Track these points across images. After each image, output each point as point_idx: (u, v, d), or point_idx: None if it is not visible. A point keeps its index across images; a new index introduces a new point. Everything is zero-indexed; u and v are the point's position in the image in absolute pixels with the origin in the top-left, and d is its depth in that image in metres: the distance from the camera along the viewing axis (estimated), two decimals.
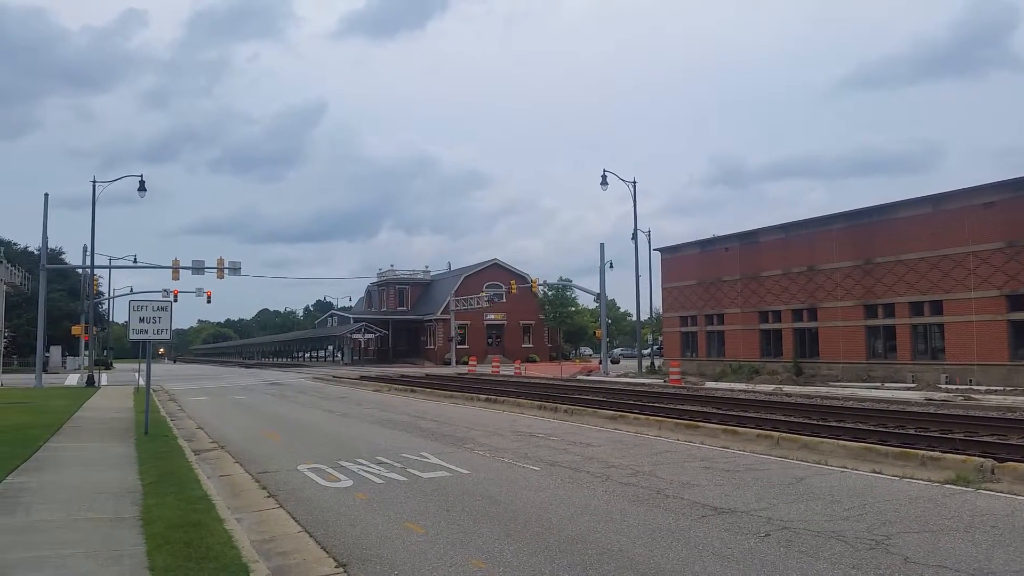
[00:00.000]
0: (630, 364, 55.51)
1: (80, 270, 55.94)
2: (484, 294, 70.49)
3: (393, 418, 19.55)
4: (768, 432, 14.42)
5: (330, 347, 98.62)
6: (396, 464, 11.61)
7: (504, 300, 67.40)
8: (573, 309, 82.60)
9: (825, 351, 34.44)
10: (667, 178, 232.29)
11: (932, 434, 14.52)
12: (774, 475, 10.28)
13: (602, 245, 48.89)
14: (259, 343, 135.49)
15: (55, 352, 61.08)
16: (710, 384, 33.19)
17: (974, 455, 11.18)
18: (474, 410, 22.23)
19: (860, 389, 27.31)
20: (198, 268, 41.66)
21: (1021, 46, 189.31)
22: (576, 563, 6.29)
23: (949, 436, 13.87)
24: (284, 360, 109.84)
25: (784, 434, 14.04)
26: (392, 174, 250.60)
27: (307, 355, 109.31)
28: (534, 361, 71.14)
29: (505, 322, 78.89)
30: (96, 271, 45.91)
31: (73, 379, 42.97)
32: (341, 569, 6.34)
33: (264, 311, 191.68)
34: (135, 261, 55.28)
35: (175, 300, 43.14)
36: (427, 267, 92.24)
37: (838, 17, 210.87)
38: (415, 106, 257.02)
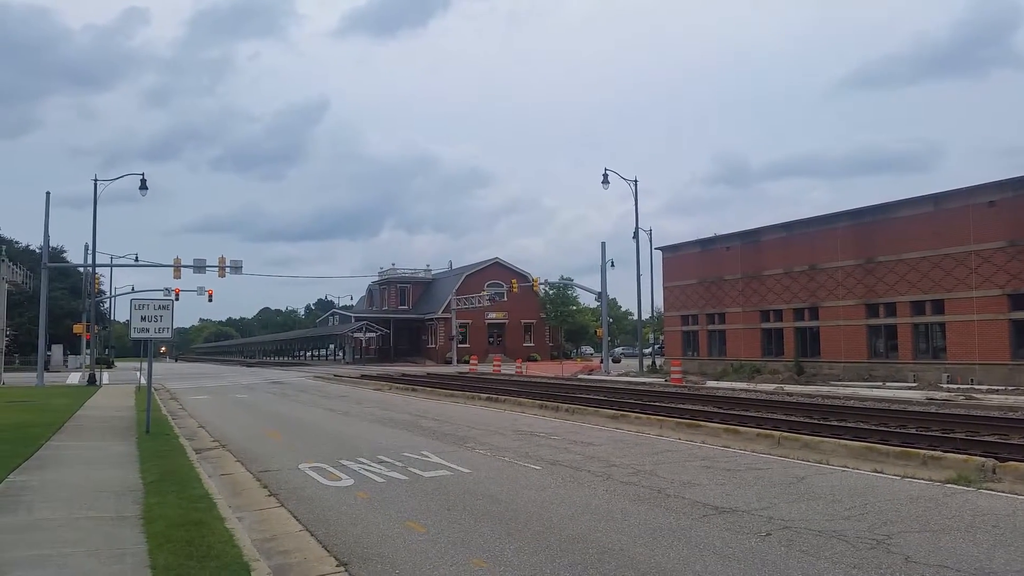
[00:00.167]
0: (631, 363, 55.52)
1: (82, 269, 55.99)
2: (485, 293, 70.53)
3: (394, 417, 19.56)
4: (769, 431, 14.42)
5: (331, 346, 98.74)
6: (397, 463, 11.61)
7: (505, 299, 67.45)
8: (574, 308, 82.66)
9: (826, 350, 34.42)
10: (669, 177, 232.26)
11: (933, 433, 14.51)
12: (775, 474, 10.28)
13: (603, 244, 48.94)
14: (260, 342, 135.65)
15: (56, 351, 61.12)
16: (711, 383, 33.19)
17: (975, 454, 11.17)
18: (475, 409, 22.24)
19: (861, 388, 27.30)
20: (199, 267, 41.69)
21: (1023, 45, 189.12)
22: (577, 562, 6.29)
23: (950, 435, 13.87)
24: (285, 359, 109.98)
25: (785, 433, 14.04)
26: (394, 172, 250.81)
27: (308, 354, 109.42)
28: (535, 360, 71.16)
29: (506, 321, 78.92)
30: (98, 269, 45.98)
31: (74, 378, 43.01)
32: (342, 568, 6.35)
33: (265, 310, 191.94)
34: (136, 260, 55.33)
35: (176, 299, 43.16)
36: (428, 266, 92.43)
37: (840, 16, 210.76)
38: (417, 104, 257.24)
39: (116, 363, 73.39)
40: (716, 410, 19.59)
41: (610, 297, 52.04)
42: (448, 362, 71.25)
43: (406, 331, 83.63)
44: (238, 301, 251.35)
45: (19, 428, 15.48)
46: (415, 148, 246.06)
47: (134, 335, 15.44)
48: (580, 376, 43.35)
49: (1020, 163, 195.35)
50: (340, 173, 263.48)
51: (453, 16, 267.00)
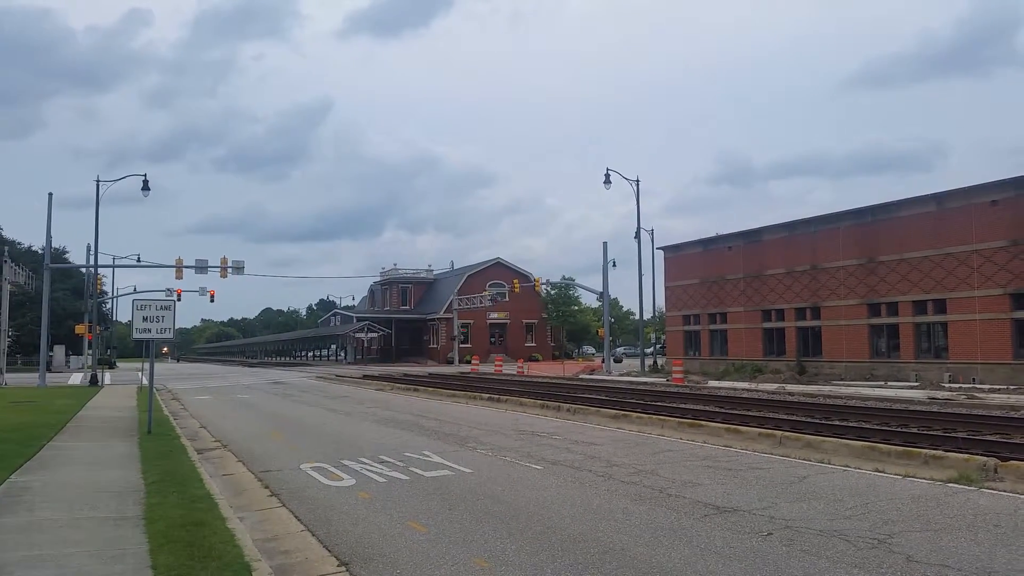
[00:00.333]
0: (633, 363, 55.50)
1: (84, 269, 56.04)
2: (487, 293, 70.52)
3: (396, 417, 19.57)
4: (771, 431, 14.41)
5: (333, 346, 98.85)
6: (399, 463, 11.61)
7: (507, 299, 67.41)
8: (576, 308, 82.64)
9: (828, 350, 34.40)
10: (671, 177, 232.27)
11: (935, 433, 14.50)
12: (777, 474, 10.27)
13: (605, 244, 48.90)
14: (262, 342, 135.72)
15: (59, 351, 61.21)
16: (713, 383, 33.17)
17: (977, 454, 11.17)
18: (477, 409, 22.24)
19: (863, 388, 27.27)
20: (201, 267, 41.71)
21: None
22: (578, 562, 6.29)
23: (952, 435, 13.85)
24: (287, 359, 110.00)
25: (787, 433, 14.04)
26: (396, 173, 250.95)
27: (310, 354, 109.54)
28: (537, 360, 71.14)
29: (508, 321, 78.91)
30: (100, 270, 46.04)
31: (76, 378, 43.06)
32: (343, 568, 6.35)
33: (267, 310, 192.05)
34: (139, 260, 55.30)
35: (178, 299, 43.25)
36: (430, 266, 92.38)
37: (843, 15, 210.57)
38: (419, 105, 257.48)
39: (118, 363, 73.48)
40: (718, 410, 19.58)
41: (612, 297, 52.03)
42: (450, 362, 71.26)
43: (408, 331, 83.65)
44: (240, 302, 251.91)
45: (21, 428, 15.50)
46: (418, 148, 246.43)
47: (136, 335, 15.45)
48: (582, 376, 43.34)
49: (1022, 162, 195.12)
50: (343, 173, 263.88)
51: (456, 16, 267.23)
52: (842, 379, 31.78)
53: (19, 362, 60.18)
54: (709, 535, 7.08)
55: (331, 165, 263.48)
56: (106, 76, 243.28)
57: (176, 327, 15.70)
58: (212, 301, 53.05)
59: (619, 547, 6.72)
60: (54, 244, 53.47)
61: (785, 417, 17.70)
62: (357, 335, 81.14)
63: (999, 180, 28.36)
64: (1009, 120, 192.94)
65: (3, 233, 72.94)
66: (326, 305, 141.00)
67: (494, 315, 77.41)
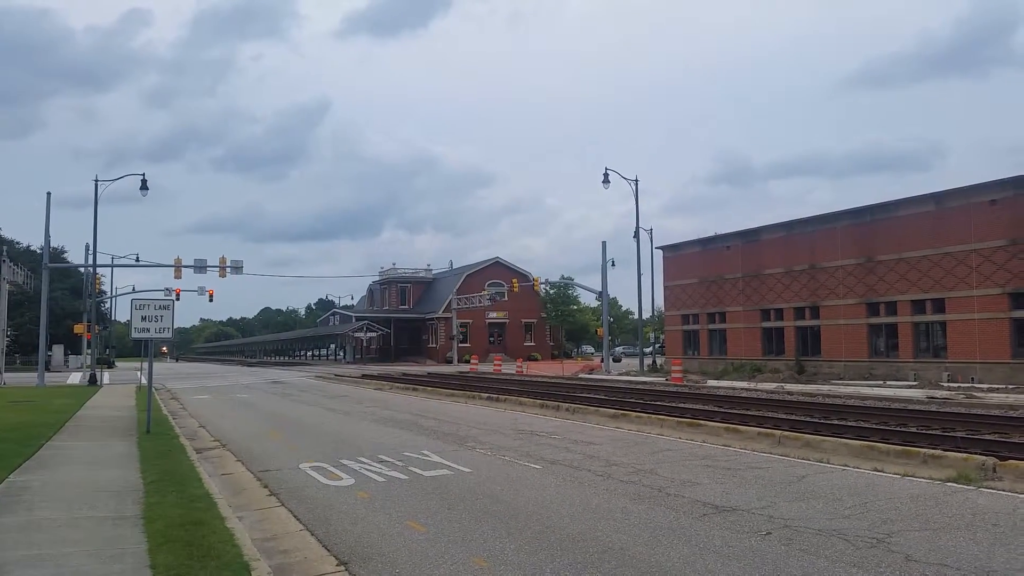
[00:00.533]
0: (632, 362, 55.51)
1: (82, 269, 55.99)
2: (486, 292, 70.52)
3: (395, 416, 19.57)
4: (770, 430, 14.41)
5: (332, 346, 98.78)
6: (398, 462, 11.61)
7: (506, 298, 67.42)
8: (575, 307, 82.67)
9: (827, 349, 34.42)
10: (670, 176, 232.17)
11: (934, 432, 14.51)
12: (776, 473, 10.28)
13: (604, 243, 48.90)
14: (261, 342, 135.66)
15: (57, 351, 61.19)
16: (712, 382, 33.18)
17: (976, 453, 11.17)
18: (476, 408, 22.24)
19: (862, 387, 27.29)
20: (200, 267, 41.70)
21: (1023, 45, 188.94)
22: (577, 561, 6.29)
23: (951, 434, 13.85)
24: (286, 359, 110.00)
25: (786, 432, 14.04)
26: (395, 172, 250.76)
27: (309, 354, 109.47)
28: (536, 359, 71.14)
29: (507, 320, 78.93)
30: (98, 270, 46.01)
31: (75, 378, 43.03)
32: (342, 567, 6.35)
33: (266, 310, 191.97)
34: (137, 260, 55.29)
35: (177, 299, 43.16)
36: (429, 265, 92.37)
37: (842, 15, 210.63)
38: (418, 104, 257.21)
39: (117, 363, 73.44)
40: (717, 409, 19.58)
41: (611, 296, 52.04)
42: (449, 362, 71.27)
43: (407, 331, 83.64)
44: (239, 301, 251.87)
45: (20, 428, 15.49)
46: (416, 148, 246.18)
47: (135, 335, 15.44)
48: (581, 375, 43.35)
49: (1021, 162, 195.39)
50: (341, 173, 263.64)
51: (454, 17, 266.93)
52: (841, 378, 31.81)
53: (18, 361, 60.14)
54: (708, 534, 7.08)
55: (330, 165, 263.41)
56: (105, 76, 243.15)
57: (175, 327, 15.69)
58: (211, 301, 53.05)
59: (618, 546, 6.72)
60: (53, 243, 53.41)
61: (784, 416, 17.71)
62: (356, 335, 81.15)
63: (998, 180, 28.39)
64: (1008, 120, 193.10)
65: (2, 232, 72.91)
66: (325, 305, 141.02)
67: (493, 315, 77.42)
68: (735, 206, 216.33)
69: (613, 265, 50.24)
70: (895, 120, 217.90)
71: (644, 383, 34.20)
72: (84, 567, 5.92)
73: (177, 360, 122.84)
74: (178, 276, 41.86)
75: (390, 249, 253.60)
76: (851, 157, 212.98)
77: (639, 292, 46.10)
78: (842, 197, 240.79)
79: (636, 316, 54.61)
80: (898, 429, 15.16)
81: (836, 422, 16.29)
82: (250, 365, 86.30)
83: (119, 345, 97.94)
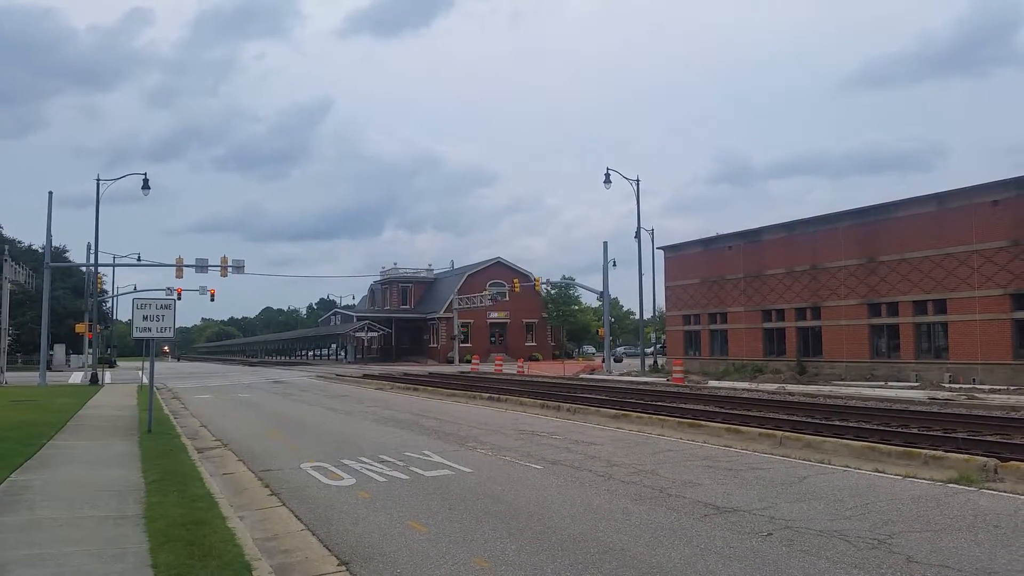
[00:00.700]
0: (633, 363, 55.50)
1: (84, 268, 56.03)
2: (487, 292, 70.51)
3: (396, 416, 19.57)
4: (771, 431, 14.40)
5: (333, 345, 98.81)
6: (399, 462, 11.61)
7: (507, 298, 67.45)
8: (576, 307, 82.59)
9: (828, 350, 34.39)
10: (671, 176, 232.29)
11: (935, 433, 14.50)
12: (777, 474, 10.27)
13: (605, 244, 48.89)
14: (262, 341, 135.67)
15: (59, 350, 61.24)
16: (713, 383, 33.16)
17: (977, 454, 11.16)
18: (477, 408, 22.24)
19: (863, 388, 27.27)
20: (202, 266, 41.71)
21: None
22: (578, 562, 6.29)
23: (952, 435, 13.84)
24: (287, 358, 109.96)
25: (787, 433, 14.03)
26: (396, 172, 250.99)
27: (310, 353, 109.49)
28: (537, 360, 71.13)
29: (508, 320, 78.90)
30: (100, 269, 46.04)
31: (77, 377, 43.06)
32: (343, 567, 6.35)
33: (267, 309, 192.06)
34: (139, 259, 55.21)
35: (179, 298, 43.18)
36: (430, 265, 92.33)
37: (843, 15, 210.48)
38: (419, 104, 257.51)
39: (118, 362, 73.50)
40: (718, 410, 19.57)
41: (612, 297, 52.02)
42: (450, 361, 71.25)
43: (408, 331, 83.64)
44: (240, 301, 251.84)
45: (21, 427, 15.51)
46: (418, 147, 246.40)
47: (136, 334, 15.44)
48: (582, 376, 43.34)
49: (1022, 162, 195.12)
50: (342, 173, 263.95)
51: (456, 16, 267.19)
52: (842, 379, 31.78)
53: (19, 361, 60.18)
54: (709, 535, 7.08)
55: (331, 164, 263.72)
56: (107, 75, 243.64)
57: (176, 326, 15.69)
58: (212, 300, 53.08)
59: (619, 547, 6.72)
60: (54, 243, 53.49)
61: (785, 417, 17.70)
62: (357, 334, 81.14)
63: (1000, 180, 28.36)
64: (1008, 120, 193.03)
65: (3, 232, 73.00)
66: (326, 304, 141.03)
67: (494, 314, 77.40)
68: (735, 206, 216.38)
69: (614, 265, 50.22)
70: (895, 120, 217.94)
71: (645, 383, 34.19)
72: (85, 566, 5.93)
73: (179, 359, 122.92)
74: (179, 275, 41.90)
75: (391, 249, 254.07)
76: (851, 157, 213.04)
77: (640, 292, 46.10)
78: (842, 197, 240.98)
79: (637, 316, 54.60)
80: (899, 430, 15.15)
81: (837, 423, 16.29)
82: (251, 365, 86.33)
83: (120, 344, 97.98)
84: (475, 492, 9.32)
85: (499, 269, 78.72)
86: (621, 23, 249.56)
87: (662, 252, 46.43)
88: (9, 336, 37.36)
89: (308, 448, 13.70)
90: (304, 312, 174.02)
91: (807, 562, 6.17)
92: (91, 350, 46.13)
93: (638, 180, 45.14)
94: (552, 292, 78.75)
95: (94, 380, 36.97)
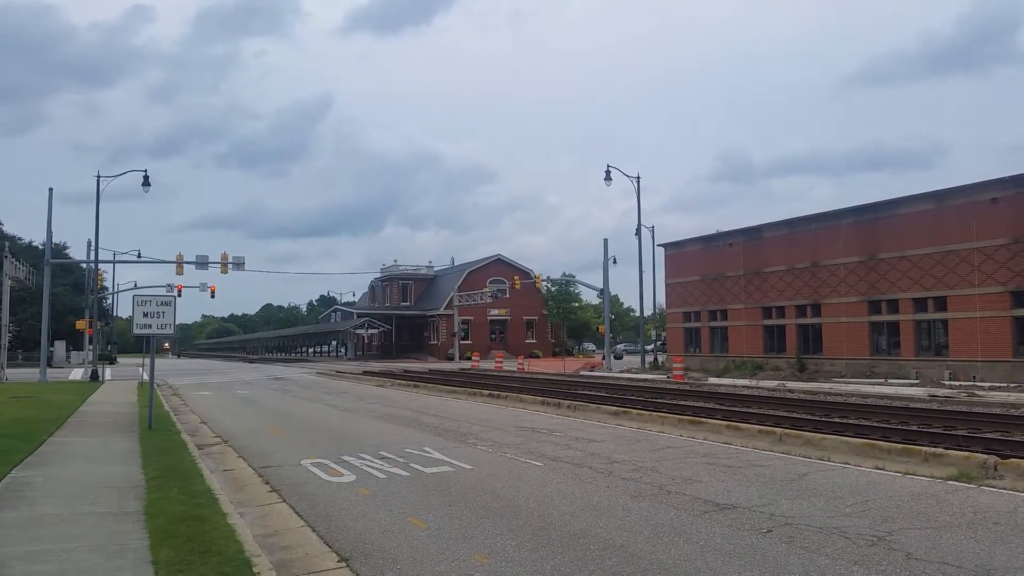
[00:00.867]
0: (633, 360, 55.50)
1: (84, 265, 56.05)
2: (487, 289, 70.52)
3: (396, 413, 19.58)
4: (771, 428, 14.40)
5: (333, 342, 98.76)
6: (399, 459, 11.62)
7: (507, 295, 67.45)
8: (576, 305, 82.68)
9: (829, 347, 34.38)
10: (672, 174, 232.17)
11: (935, 431, 14.48)
12: (776, 471, 10.28)
13: (606, 241, 48.81)
14: (263, 338, 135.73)
15: (59, 347, 61.22)
16: (713, 380, 33.17)
17: (977, 452, 11.15)
18: (477, 405, 22.25)
19: (863, 385, 27.27)
20: (202, 263, 41.71)
21: None
22: (578, 558, 6.30)
23: (952, 433, 13.84)
24: (288, 355, 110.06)
25: (787, 430, 14.03)
26: (397, 169, 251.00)
27: (311, 350, 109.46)
28: (537, 357, 71.13)
29: (508, 317, 78.90)
30: (100, 266, 46.06)
31: (77, 374, 43.11)
32: (343, 564, 6.36)
33: (268, 306, 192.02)
34: (139, 256, 55.35)
35: (179, 295, 43.26)
36: (431, 262, 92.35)
37: (844, 13, 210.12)
38: (420, 101, 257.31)
39: (119, 359, 73.49)
40: (718, 407, 19.58)
41: (612, 294, 52.00)
42: (450, 358, 71.27)
43: (408, 327, 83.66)
44: (241, 297, 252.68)
45: (22, 424, 15.51)
46: (418, 145, 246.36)
47: (136, 331, 15.45)
48: (582, 373, 43.35)
49: (1022, 160, 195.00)
50: (343, 170, 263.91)
51: (456, 13, 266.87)
52: (842, 376, 31.77)
53: (20, 357, 60.17)
54: (709, 532, 7.08)
55: (331, 161, 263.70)
56: (108, 72, 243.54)
57: (177, 323, 15.70)
58: (213, 297, 53.19)
59: (619, 543, 6.73)
60: (55, 240, 53.41)
61: (785, 414, 17.70)
62: (358, 331, 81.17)
63: (1000, 178, 28.32)
64: (1009, 118, 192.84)
65: (4, 228, 72.95)
66: (327, 301, 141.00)
67: (495, 311, 77.40)
68: (736, 204, 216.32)
69: (615, 262, 50.11)
70: (896, 118, 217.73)
71: (645, 380, 34.21)
72: (86, 562, 5.94)
73: (179, 356, 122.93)
74: (180, 272, 41.91)
75: (392, 246, 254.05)
76: (852, 155, 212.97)
77: (640, 289, 46.10)
78: (843, 195, 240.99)
79: (637, 313, 54.61)
80: (899, 427, 15.15)
81: (837, 420, 16.29)
82: (252, 361, 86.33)
83: (121, 341, 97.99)
84: (475, 489, 9.33)
85: (499, 266, 78.72)
86: (622, 21, 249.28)
87: (663, 249, 46.41)
88: (9, 333, 37.37)
89: (308, 444, 13.71)
90: (304, 309, 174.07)
91: (807, 559, 6.18)
92: (91, 347, 46.15)
93: (639, 177, 45.16)
94: (552, 289, 78.73)
95: (94, 377, 37.00)
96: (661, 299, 51.75)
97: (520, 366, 47.79)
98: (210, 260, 41.80)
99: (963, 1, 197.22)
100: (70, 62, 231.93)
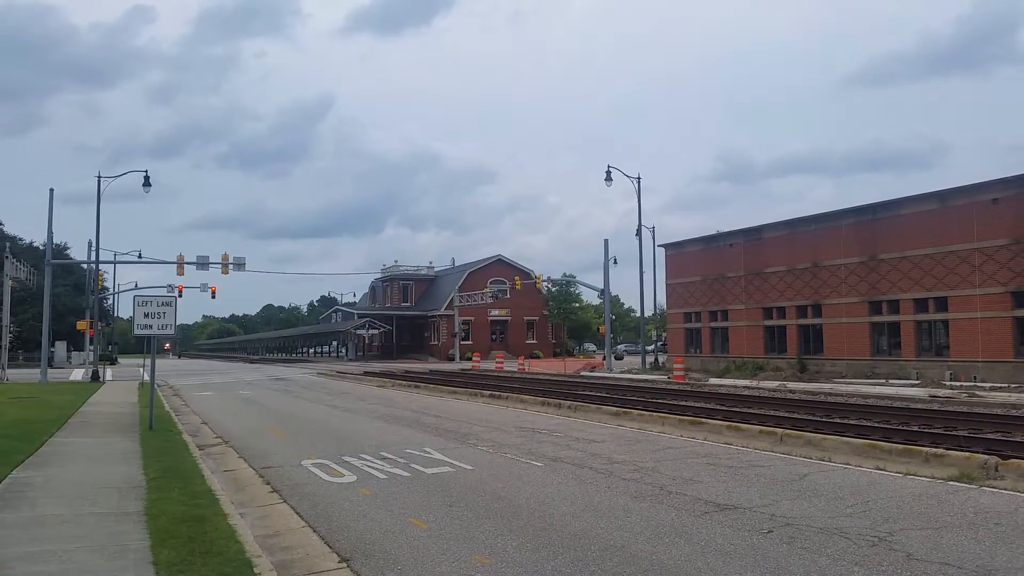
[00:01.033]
0: (634, 360, 55.49)
1: (85, 265, 56.04)
2: (488, 290, 70.53)
3: (396, 414, 19.58)
4: (771, 429, 14.39)
5: (334, 343, 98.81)
6: (399, 459, 11.62)
7: (508, 296, 67.53)
8: (577, 305, 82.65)
9: (829, 347, 34.37)
10: (672, 174, 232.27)
11: (936, 431, 14.48)
12: (777, 471, 10.27)
13: (606, 241, 48.85)
14: (264, 339, 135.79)
15: (60, 347, 61.24)
16: (714, 380, 33.16)
17: (978, 452, 11.14)
18: (477, 406, 22.25)
19: (864, 386, 27.26)
20: (203, 264, 41.73)
21: None
22: (579, 559, 6.30)
23: (953, 433, 13.85)
24: (288, 356, 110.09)
25: (788, 431, 14.03)
26: (397, 169, 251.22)
27: (311, 351, 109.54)
28: (538, 357, 71.11)
29: (509, 318, 78.90)
30: (101, 266, 46.04)
31: (78, 374, 43.11)
32: (344, 564, 6.36)
33: (269, 307, 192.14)
34: (140, 256, 55.25)
35: (180, 296, 43.29)
36: (431, 263, 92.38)
37: (844, 14, 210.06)
38: (421, 102, 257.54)
39: (120, 360, 73.53)
40: (718, 407, 19.57)
41: (613, 294, 51.99)
42: (451, 359, 71.26)
43: (409, 328, 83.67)
44: (241, 298, 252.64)
45: (22, 424, 15.51)
46: (419, 145, 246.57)
47: (137, 332, 15.44)
48: (583, 373, 43.34)
49: (1023, 160, 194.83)
50: (344, 170, 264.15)
51: (457, 14, 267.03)
52: (843, 377, 31.76)
53: (21, 358, 60.20)
54: (710, 532, 7.08)
55: (332, 162, 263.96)
56: (109, 73, 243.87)
57: (177, 323, 15.69)
58: (213, 297, 53.11)
59: (620, 544, 6.73)
60: (56, 240, 53.46)
61: (786, 415, 17.70)
62: (358, 332, 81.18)
63: (1001, 178, 28.32)
64: (1009, 118, 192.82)
65: (5, 229, 72.99)
66: (327, 302, 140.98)
67: (495, 312, 77.41)
68: (736, 204, 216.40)
69: (615, 263, 50.06)
70: (897, 118, 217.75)
71: (646, 381, 34.20)
72: (87, 563, 5.94)
73: (180, 357, 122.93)
74: (180, 273, 41.89)
75: (392, 246, 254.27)
76: (852, 155, 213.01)
77: (641, 290, 46.09)
78: (843, 195, 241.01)
79: (638, 314, 54.61)
80: (900, 428, 15.14)
81: (838, 420, 16.28)
82: (252, 362, 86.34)
83: (122, 342, 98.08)
84: (476, 489, 9.33)
85: (500, 267, 78.72)
86: (622, 21, 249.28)
87: (663, 250, 46.41)
88: (10, 333, 37.39)
89: (309, 445, 13.71)
90: (305, 309, 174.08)
91: (808, 559, 6.18)
92: (92, 347, 46.13)
93: (639, 178, 45.16)
94: (553, 290, 78.72)
95: (95, 377, 37.00)
96: (662, 299, 51.81)
97: (521, 366, 47.78)
98: (211, 261, 41.82)
99: (963, 1, 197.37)
100: (71, 63, 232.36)
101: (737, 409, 19.04)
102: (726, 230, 42.65)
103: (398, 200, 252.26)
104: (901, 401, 21.69)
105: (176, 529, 6.86)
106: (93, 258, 44.04)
